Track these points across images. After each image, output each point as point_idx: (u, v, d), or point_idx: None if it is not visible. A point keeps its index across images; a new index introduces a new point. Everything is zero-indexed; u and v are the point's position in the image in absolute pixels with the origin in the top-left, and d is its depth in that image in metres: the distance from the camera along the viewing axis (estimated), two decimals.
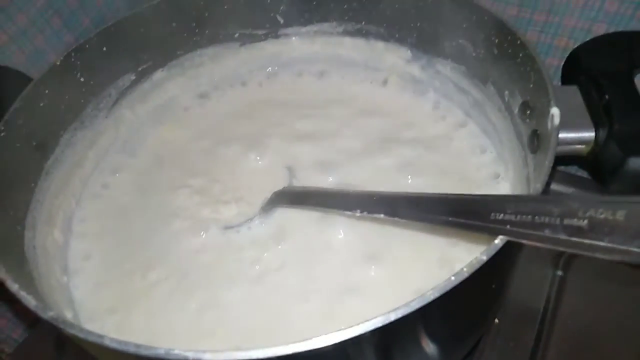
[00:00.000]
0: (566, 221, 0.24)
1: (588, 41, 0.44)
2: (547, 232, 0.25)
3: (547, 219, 0.25)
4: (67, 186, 0.47)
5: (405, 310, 0.24)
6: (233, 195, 0.49)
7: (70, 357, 0.52)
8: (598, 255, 0.22)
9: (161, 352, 0.24)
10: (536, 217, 0.26)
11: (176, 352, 0.24)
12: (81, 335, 0.25)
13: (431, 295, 0.25)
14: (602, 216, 0.22)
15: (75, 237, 0.46)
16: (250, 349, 0.24)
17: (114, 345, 0.24)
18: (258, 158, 0.52)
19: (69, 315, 0.38)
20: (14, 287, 0.28)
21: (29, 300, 0.27)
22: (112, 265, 0.44)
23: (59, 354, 0.52)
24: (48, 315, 0.26)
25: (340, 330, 0.24)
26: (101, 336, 0.25)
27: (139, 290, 0.42)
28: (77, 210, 0.48)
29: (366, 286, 0.40)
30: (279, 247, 0.44)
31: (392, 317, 0.24)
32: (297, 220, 0.46)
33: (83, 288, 0.42)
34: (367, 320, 0.24)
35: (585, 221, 0.23)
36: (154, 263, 0.44)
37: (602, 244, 0.22)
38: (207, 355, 0.24)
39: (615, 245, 0.22)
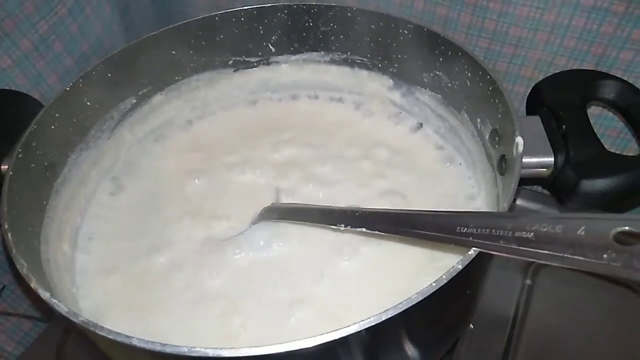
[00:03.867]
0: (517, 233, 0.29)
1: (549, 77, 0.49)
2: (501, 243, 0.30)
3: (501, 232, 0.30)
4: (73, 203, 0.50)
5: (394, 311, 0.29)
6: (224, 212, 0.52)
7: None
8: (542, 260, 0.28)
9: (184, 350, 0.27)
10: (493, 230, 0.31)
11: (197, 349, 0.27)
12: (110, 336, 0.28)
13: (416, 299, 0.29)
14: (545, 229, 0.28)
15: (81, 252, 0.49)
16: (258, 347, 0.28)
17: (141, 345, 0.28)
18: (247, 177, 0.56)
19: None
20: (45, 295, 0.31)
21: (61, 307, 0.30)
22: (121, 278, 0.47)
23: None
24: (79, 320, 0.29)
25: (341, 328, 0.28)
26: (129, 337, 0.28)
27: (159, 299, 0.45)
28: (82, 226, 0.51)
29: (352, 291, 0.44)
30: (272, 255, 0.48)
31: (383, 317, 0.28)
32: (286, 231, 0.49)
33: (92, 298, 0.45)
34: (362, 320, 0.28)
35: (532, 234, 0.28)
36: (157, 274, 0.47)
37: (544, 252, 0.28)
38: (225, 352, 0.27)
39: (554, 253, 0.27)
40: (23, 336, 0.66)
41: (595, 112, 0.58)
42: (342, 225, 0.42)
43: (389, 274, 0.44)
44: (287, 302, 0.44)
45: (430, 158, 0.56)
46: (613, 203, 0.40)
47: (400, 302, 0.29)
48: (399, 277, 0.44)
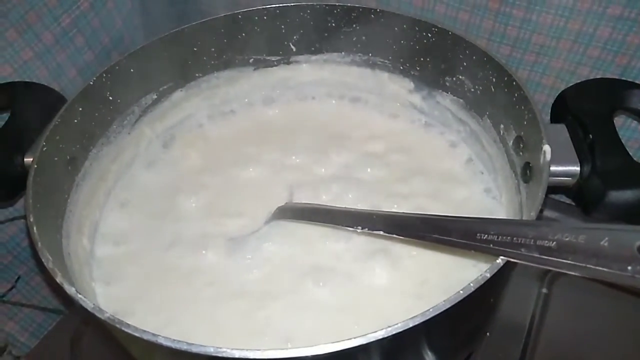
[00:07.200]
0: (539, 242, 0.29)
1: (575, 85, 0.49)
2: (523, 251, 0.30)
3: (523, 240, 0.30)
4: (93, 198, 0.51)
5: (421, 318, 0.28)
6: (237, 209, 0.53)
7: None
8: (564, 270, 0.28)
9: (210, 350, 0.27)
10: (514, 238, 0.31)
11: (224, 350, 0.27)
12: (136, 334, 0.28)
13: (443, 306, 0.29)
14: (567, 239, 0.28)
15: (100, 247, 0.49)
16: (282, 349, 0.28)
17: (167, 343, 0.28)
18: (262, 176, 0.56)
19: None
20: (71, 290, 0.31)
21: (87, 303, 0.30)
22: (138, 274, 0.47)
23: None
24: (105, 316, 0.29)
25: (368, 333, 0.28)
26: (155, 335, 0.28)
27: (176, 295, 0.45)
28: (100, 221, 0.51)
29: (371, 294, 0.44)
30: (288, 255, 0.48)
31: (410, 323, 0.28)
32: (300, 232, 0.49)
33: (110, 292, 0.45)
34: (390, 326, 0.28)
35: (554, 243, 0.28)
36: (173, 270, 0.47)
37: (566, 261, 0.28)
38: (250, 354, 0.27)
39: (576, 263, 0.27)
40: (36, 327, 0.67)
41: (617, 123, 0.57)
42: (359, 227, 0.42)
43: (409, 277, 0.44)
44: (308, 300, 0.44)
45: (449, 162, 0.56)
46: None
47: (428, 309, 0.29)
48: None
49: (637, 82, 0.52)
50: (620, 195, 0.39)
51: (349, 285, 0.45)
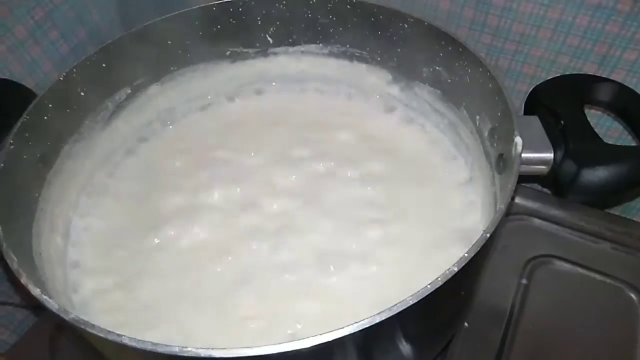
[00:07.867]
0: None
1: (546, 81, 0.49)
2: None
3: None
4: (65, 195, 0.50)
5: (388, 313, 0.28)
6: (217, 205, 0.52)
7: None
8: None
9: (175, 349, 0.27)
10: None
11: (189, 349, 0.27)
12: (101, 334, 0.28)
13: (410, 301, 0.29)
14: None
15: (73, 245, 0.49)
16: (250, 347, 0.28)
17: (132, 344, 0.27)
18: (237, 169, 0.55)
19: None
20: (35, 291, 0.31)
21: (52, 304, 0.30)
22: (113, 275, 0.46)
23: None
24: (69, 317, 0.29)
25: (335, 330, 0.28)
26: (120, 335, 0.28)
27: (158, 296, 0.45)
28: (74, 218, 0.51)
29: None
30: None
31: (377, 319, 0.28)
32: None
33: (88, 292, 0.45)
34: (356, 322, 0.28)
35: None
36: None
37: None
38: (216, 353, 0.27)
39: None
40: (17, 325, 0.66)
41: (596, 114, 0.58)
42: None
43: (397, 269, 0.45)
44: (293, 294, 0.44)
45: (428, 154, 0.55)
46: (613, 193, 0.40)
47: (395, 304, 0.28)
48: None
49: (614, 72, 0.52)
50: (593, 173, 0.39)
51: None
